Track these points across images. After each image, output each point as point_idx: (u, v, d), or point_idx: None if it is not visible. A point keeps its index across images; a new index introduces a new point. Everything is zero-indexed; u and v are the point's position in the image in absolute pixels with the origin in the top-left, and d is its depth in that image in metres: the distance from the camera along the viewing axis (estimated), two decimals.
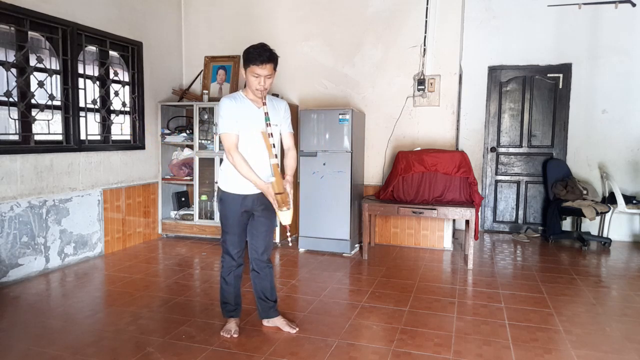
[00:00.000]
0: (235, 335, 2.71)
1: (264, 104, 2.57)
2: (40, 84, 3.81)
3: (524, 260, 4.52)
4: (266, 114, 2.56)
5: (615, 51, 5.22)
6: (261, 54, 2.46)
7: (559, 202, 5.12)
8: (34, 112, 3.80)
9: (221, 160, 4.95)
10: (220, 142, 4.93)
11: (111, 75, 4.60)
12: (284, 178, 2.60)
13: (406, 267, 4.20)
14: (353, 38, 5.05)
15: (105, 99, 4.54)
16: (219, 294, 2.81)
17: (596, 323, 2.98)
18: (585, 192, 5.16)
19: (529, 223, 5.70)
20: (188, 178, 5.18)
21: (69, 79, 4.08)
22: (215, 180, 5.04)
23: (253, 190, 2.62)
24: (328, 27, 5.12)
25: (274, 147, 2.58)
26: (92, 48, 4.39)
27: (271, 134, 2.57)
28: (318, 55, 5.17)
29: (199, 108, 5.09)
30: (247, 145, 2.57)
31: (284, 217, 2.56)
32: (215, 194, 4.98)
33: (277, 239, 4.87)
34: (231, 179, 2.62)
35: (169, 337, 2.72)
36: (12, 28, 3.61)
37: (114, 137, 4.65)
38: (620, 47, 5.20)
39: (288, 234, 2.63)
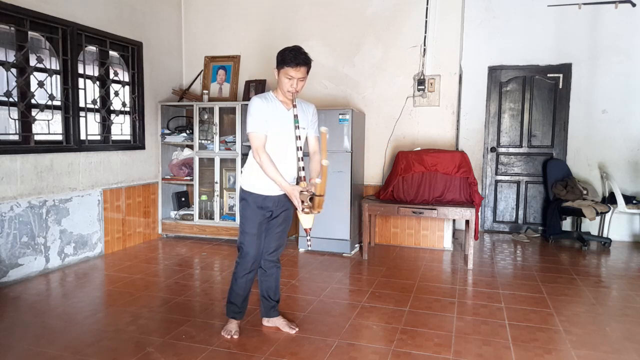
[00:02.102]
0: (236, 337, 2.70)
1: (294, 106, 2.57)
2: (40, 84, 3.81)
3: (524, 260, 4.52)
4: (296, 116, 2.56)
5: (615, 51, 5.22)
6: (297, 57, 2.49)
7: (559, 202, 5.12)
8: (34, 112, 3.80)
9: (221, 160, 5.01)
10: (218, 141, 4.99)
11: (111, 75, 4.60)
12: (309, 182, 2.57)
13: (406, 267, 4.20)
14: (353, 38, 5.05)
15: (105, 99, 4.54)
16: (227, 293, 2.76)
17: (596, 323, 2.98)
18: (585, 192, 5.16)
19: (529, 223, 5.70)
20: (188, 178, 5.18)
21: (69, 79, 4.07)
22: (216, 181, 5.05)
23: (275, 191, 2.61)
24: (328, 27, 5.12)
25: (300, 150, 2.57)
26: (92, 48, 4.39)
27: (299, 136, 2.57)
28: (318, 56, 5.16)
29: (199, 108, 5.09)
30: (274, 146, 2.56)
31: (305, 220, 2.54)
32: (217, 195, 5.04)
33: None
34: (254, 179, 2.61)
35: (169, 337, 2.71)
36: (12, 28, 3.60)
37: (114, 137, 4.65)
38: (620, 47, 5.20)
39: (308, 237, 2.62)
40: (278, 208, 2.68)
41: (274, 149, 2.56)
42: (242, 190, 2.67)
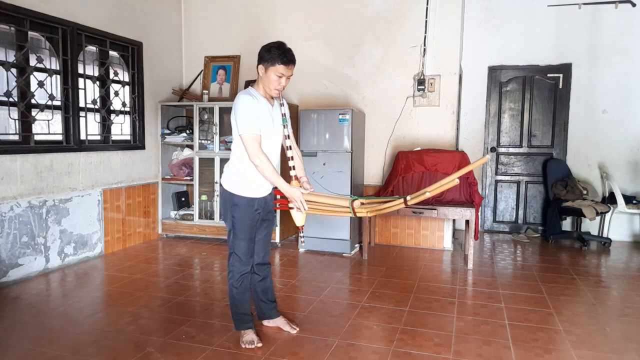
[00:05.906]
0: (260, 345, 2.59)
1: (282, 105, 2.53)
2: (40, 84, 3.81)
3: (524, 260, 4.52)
4: (283, 115, 2.50)
5: (615, 51, 5.22)
6: (286, 54, 2.39)
7: (559, 202, 5.12)
8: (34, 112, 3.80)
9: (221, 160, 4.99)
10: (218, 141, 4.98)
11: (111, 75, 4.60)
12: (298, 180, 2.55)
13: (406, 267, 4.20)
14: (353, 38, 5.05)
15: (105, 99, 4.53)
16: (230, 307, 2.67)
17: (596, 323, 2.98)
18: (585, 192, 5.16)
19: (529, 223, 5.70)
20: (188, 178, 5.18)
21: (69, 79, 4.07)
22: (216, 181, 5.04)
23: (263, 193, 2.57)
24: (328, 27, 5.12)
25: (290, 149, 2.54)
26: (92, 48, 4.38)
27: (288, 135, 2.53)
28: (318, 55, 5.17)
29: (199, 108, 5.09)
30: (263, 146, 2.46)
31: (298, 218, 2.52)
32: (217, 195, 5.02)
33: (278, 239, 4.88)
34: (245, 182, 2.51)
35: (169, 337, 2.71)
36: (12, 28, 3.61)
37: (114, 137, 4.65)
38: (620, 47, 5.20)
39: (301, 234, 2.65)
40: (264, 210, 2.62)
41: (263, 149, 2.45)
42: (231, 195, 2.52)
